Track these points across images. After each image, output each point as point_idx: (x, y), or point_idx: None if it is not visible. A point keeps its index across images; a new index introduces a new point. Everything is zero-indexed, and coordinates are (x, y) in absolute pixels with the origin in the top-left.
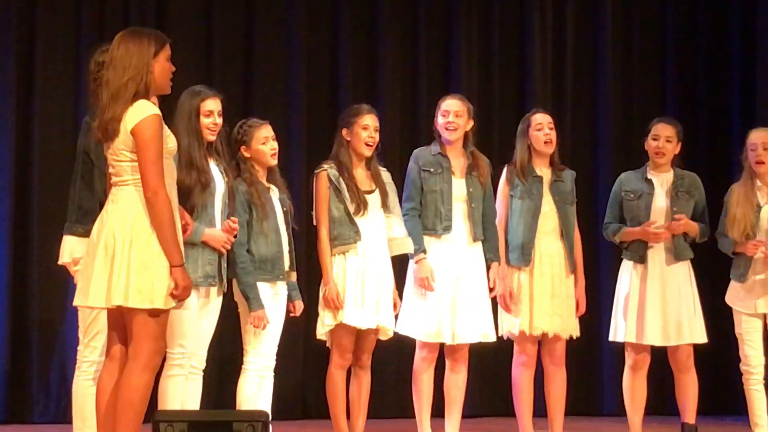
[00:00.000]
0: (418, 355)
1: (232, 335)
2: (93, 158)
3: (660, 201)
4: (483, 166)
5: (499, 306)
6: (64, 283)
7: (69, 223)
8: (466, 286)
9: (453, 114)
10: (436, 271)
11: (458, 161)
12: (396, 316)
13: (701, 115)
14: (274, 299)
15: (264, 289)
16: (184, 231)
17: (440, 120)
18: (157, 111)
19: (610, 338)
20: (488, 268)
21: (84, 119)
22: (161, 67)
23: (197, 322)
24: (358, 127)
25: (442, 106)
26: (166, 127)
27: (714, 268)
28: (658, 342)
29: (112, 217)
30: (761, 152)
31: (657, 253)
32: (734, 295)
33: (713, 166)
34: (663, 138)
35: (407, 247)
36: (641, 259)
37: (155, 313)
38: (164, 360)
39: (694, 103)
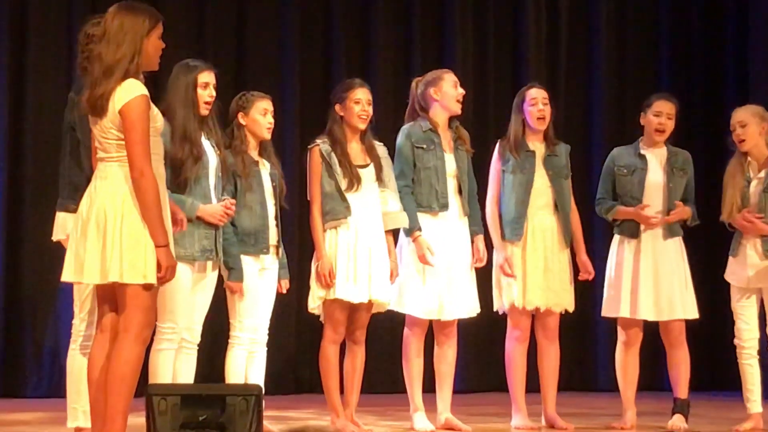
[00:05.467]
0: (408, 331)
1: (225, 309)
2: (78, 133)
3: (654, 176)
4: (466, 138)
5: (493, 280)
6: (56, 258)
7: (61, 200)
8: (459, 262)
9: (459, 86)
10: (433, 248)
11: (446, 136)
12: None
13: (696, 91)
14: (262, 274)
15: (249, 262)
16: (179, 225)
17: (452, 92)
18: (145, 91)
19: (603, 314)
20: (472, 241)
21: (69, 95)
22: (153, 45)
23: (191, 297)
24: (350, 102)
25: (449, 78)
26: (153, 106)
27: (709, 244)
28: (650, 317)
29: (101, 193)
30: (739, 131)
31: (650, 229)
32: (730, 270)
33: (708, 142)
34: (665, 114)
35: (402, 221)
36: (634, 234)
37: (147, 286)
38: (154, 333)
39: (688, 79)
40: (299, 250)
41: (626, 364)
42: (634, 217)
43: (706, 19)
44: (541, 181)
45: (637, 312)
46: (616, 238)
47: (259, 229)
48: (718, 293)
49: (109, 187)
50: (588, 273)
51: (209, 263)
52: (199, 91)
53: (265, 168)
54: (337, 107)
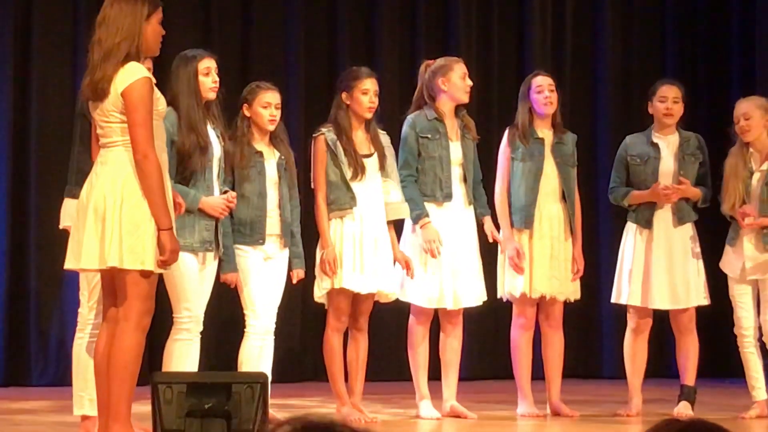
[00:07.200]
0: (414, 319)
1: (230, 298)
2: (90, 121)
3: (667, 165)
4: (472, 126)
5: (498, 268)
6: (62, 246)
7: (69, 186)
8: (464, 251)
9: (468, 77)
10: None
11: (452, 124)
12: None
13: (701, 77)
14: (267, 262)
15: (248, 251)
16: (177, 209)
17: (460, 83)
18: (148, 73)
19: (613, 300)
20: (479, 225)
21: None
22: (153, 30)
23: (199, 286)
24: (358, 92)
25: (458, 69)
26: (156, 90)
27: (715, 231)
28: (666, 306)
29: (101, 179)
30: (743, 123)
31: (662, 217)
32: (726, 259)
33: (713, 128)
34: (671, 99)
35: (404, 212)
36: (647, 223)
37: (146, 274)
38: (154, 322)
39: (694, 66)
40: (303, 240)
41: (635, 351)
42: (650, 197)
43: (712, 8)
44: (549, 169)
45: (650, 301)
46: (629, 225)
47: (255, 220)
48: (722, 281)
49: (110, 172)
50: (578, 269)
51: (209, 254)
52: (202, 78)
53: (273, 157)
54: (344, 95)
